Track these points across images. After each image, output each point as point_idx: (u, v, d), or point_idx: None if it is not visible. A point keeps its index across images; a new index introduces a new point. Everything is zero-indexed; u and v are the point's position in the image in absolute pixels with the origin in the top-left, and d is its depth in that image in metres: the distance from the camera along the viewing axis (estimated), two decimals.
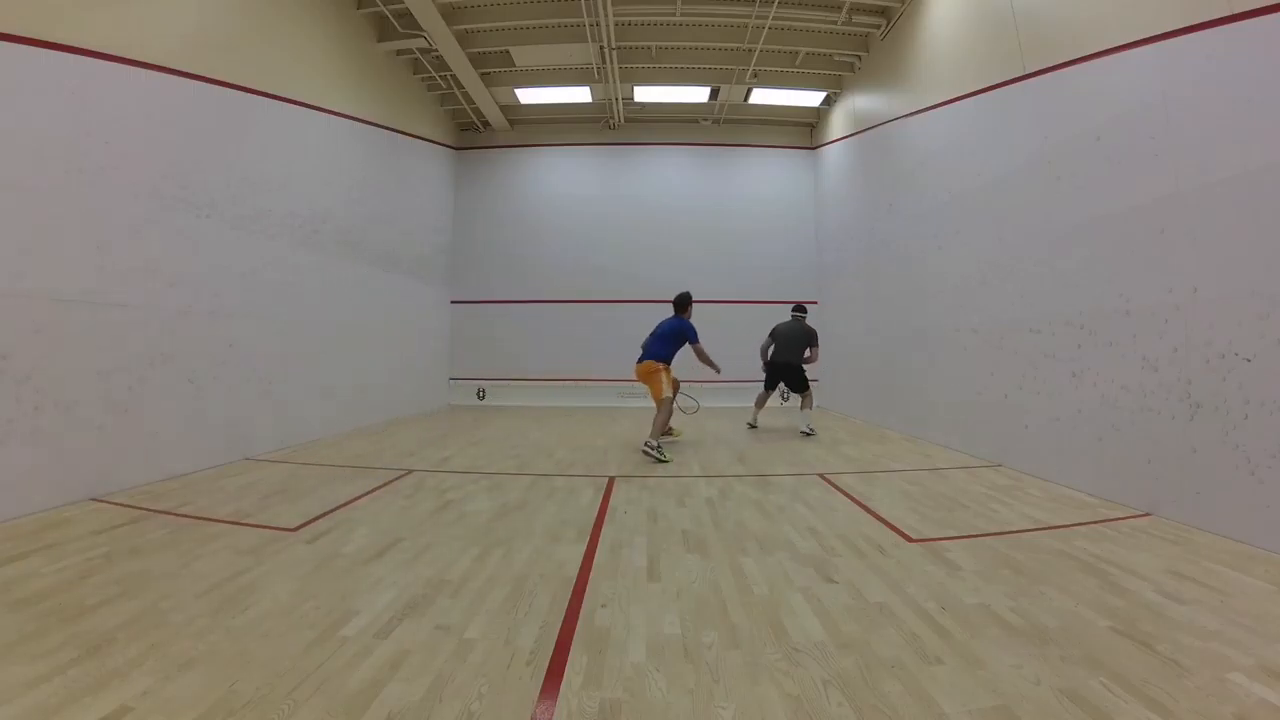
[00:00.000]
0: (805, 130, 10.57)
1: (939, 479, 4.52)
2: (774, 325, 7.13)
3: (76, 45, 3.73)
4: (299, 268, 5.98)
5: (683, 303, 6.02)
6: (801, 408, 6.86)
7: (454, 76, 8.63)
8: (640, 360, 5.87)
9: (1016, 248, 4.86)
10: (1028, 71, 4.69)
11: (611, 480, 4.53)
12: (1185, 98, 3.36)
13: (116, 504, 3.62)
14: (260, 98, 5.44)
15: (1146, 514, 3.46)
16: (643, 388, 6.17)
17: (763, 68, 8.46)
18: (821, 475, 4.68)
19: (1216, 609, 2.23)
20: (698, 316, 6.19)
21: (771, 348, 7.07)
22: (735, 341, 10.15)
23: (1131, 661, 1.86)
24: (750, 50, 8.03)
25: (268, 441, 5.42)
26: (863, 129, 8.28)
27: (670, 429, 6.28)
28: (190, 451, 4.53)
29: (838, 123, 9.32)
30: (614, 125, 10.31)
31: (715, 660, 1.92)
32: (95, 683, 1.72)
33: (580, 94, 9.43)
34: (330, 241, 6.51)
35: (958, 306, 5.75)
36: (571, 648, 2.00)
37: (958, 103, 5.74)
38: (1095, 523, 3.35)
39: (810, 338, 6.90)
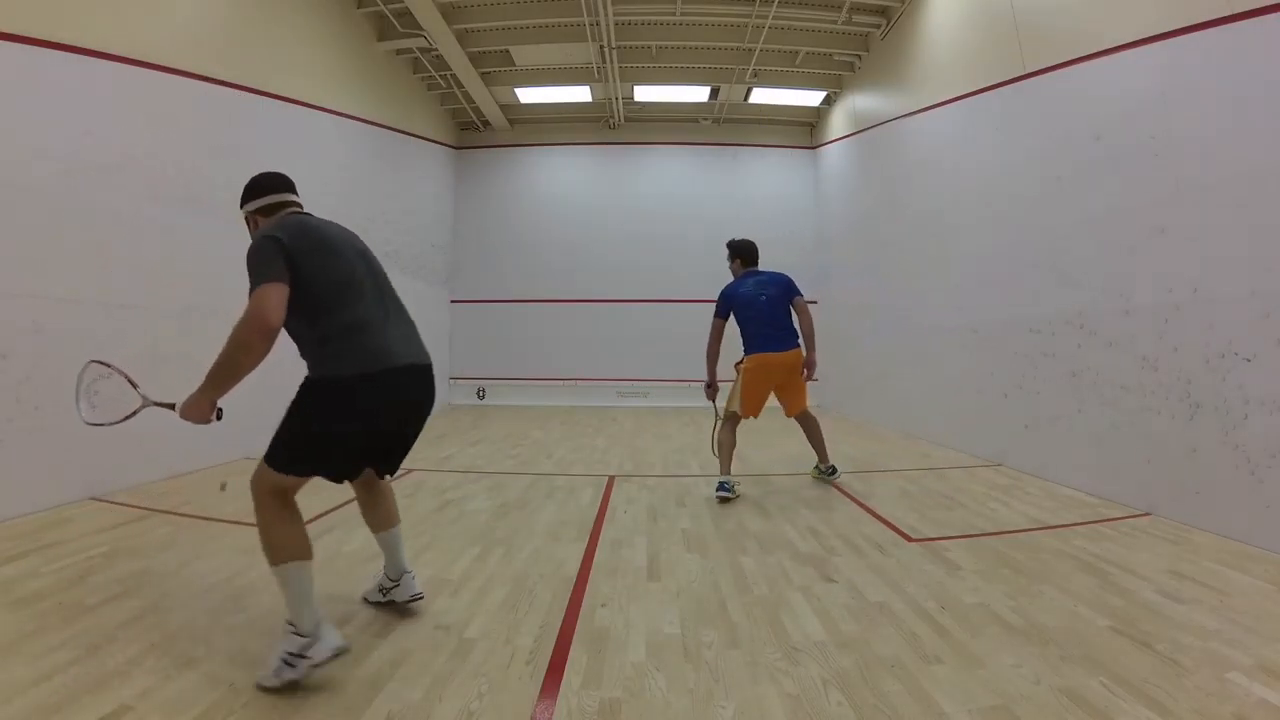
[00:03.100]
0: (805, 130, 10.56)
1: (938, 478, 4.52)
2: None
3: (76, 45, 3.72)
4: None
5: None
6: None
7: (454, 76, 8.62)
8: (783, 347, 3.98)
9: (1016, 247, 4.86)
10: (1028, 71, 4.68)
11: (611, 479, 4.53)
12: (1185, 98, 3.36)
13: (117, 503, 3.62)
14: (260, 97, 5.43)
15: (1146, 514, 3.46)
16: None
17: (763, 67, 8.45)
18: None
19: (1216, 608, 2.23)
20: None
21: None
22: (733, 342, 10.19)
23: (1131, 661, 1.86)
24: (750, 50, 8.02)
25: (269, 441, 5.41)
26: (863, 128, 8.27)
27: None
28: (191, 451, 4.52)
29: (838, 122, 9.32)
30: (614, 125, 10.30)
31: (715, 659, 1.92)
32: (95, 683, 1.72)
33: (580, 93, 9.42)
34: None
35: (958, 306, 5.75)
36: (571, 647, 2.00)
37: (958, 103, 5.73)
38: (1095, 522, 3.35)
39: None
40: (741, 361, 4.09)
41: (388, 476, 2.27)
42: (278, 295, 1.77)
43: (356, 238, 2.16)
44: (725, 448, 4.03)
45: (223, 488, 3.87)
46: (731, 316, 4.14)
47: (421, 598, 2.25)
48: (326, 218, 2.19)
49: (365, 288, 2.00)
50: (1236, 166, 3.07)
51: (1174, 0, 3.39)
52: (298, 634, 1.72)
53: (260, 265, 1.79)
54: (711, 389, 4.17)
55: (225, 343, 1.77)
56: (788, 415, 4.26)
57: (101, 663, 1.83)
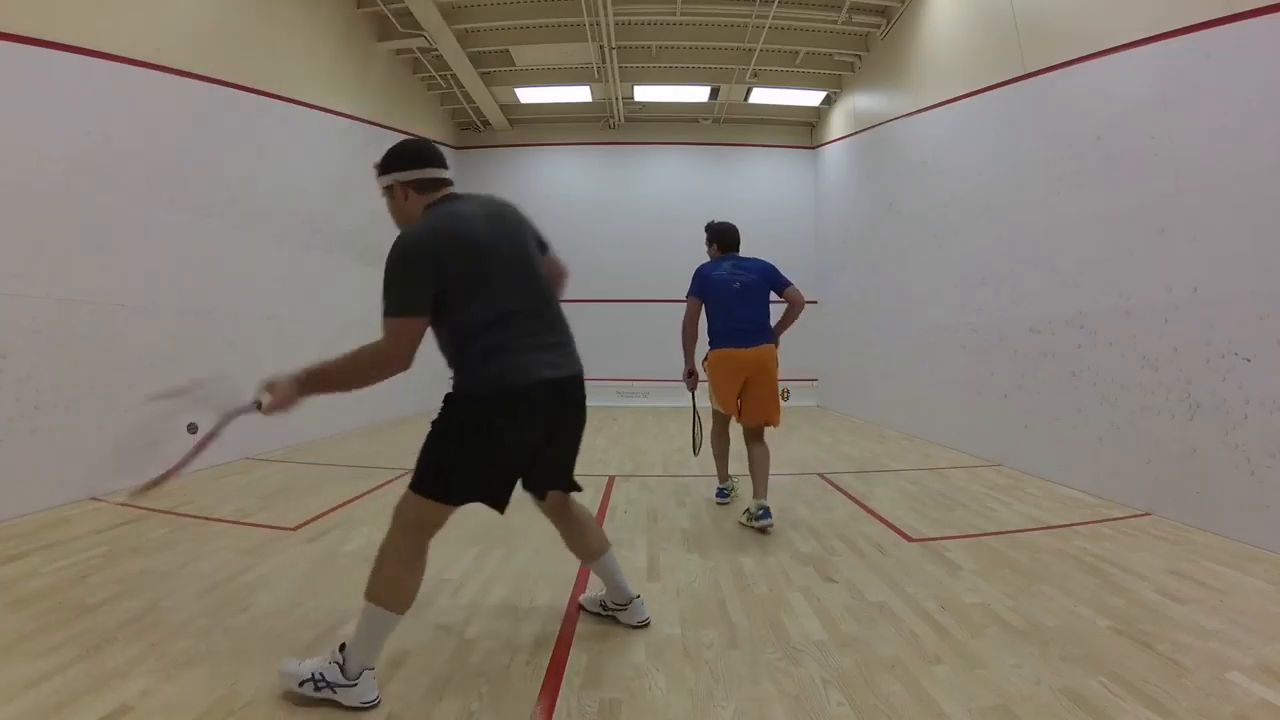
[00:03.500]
0: (805, 130, 10.56)
1: (939, 478, 4.52)
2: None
3: (76, 45, 3.72)
4: (299, 268, 5.97)
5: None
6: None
7: (454, 76, 8.61)
8: (751, 342, 3.46)
9: (1016, 247, 4.86)
10: (1028, 71, 4.68)
11: (611, 479, 4.53)
12: (1185, 98, 3.36)
13: (116, 503, 3.61)
14: (260, 97, 5.44)
15: (1146, 514, 3.46)
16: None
17: (763, 67, 8.45)
18: (821, 475, 4.67)
19: (1216, 608, 2.23)
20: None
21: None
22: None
23: (1131, 661, 1.86)
24: (750, 50, 8.01)
25: (268, 441, 5.41)
26: (863, 129, 8.27)
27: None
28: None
29: (838, 122, 9.32)
30: (614, 125, 10.30)
31: (715, 659, 1.92)
32: (95, 682, 1.72)
33: (580, 94, 9.42)
34: (330, 241, 6.50)
35: (958, 306, 5.75)
36: (571, 647, 2.00)
37: (958, 103, 5.73)
38: (1095, 522, 3.35)
39: None
40: (706, 357, 3.62)
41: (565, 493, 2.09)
42: (415, 333, 1.65)
43: (512, 222, 1.94)
44: (719, 451, 3.82)
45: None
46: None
47: (648, 624, 2.10)
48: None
49: (515, 305, 1.79)
50: (1236, 166, 3.06)
51: (1174, 0, 3.39)
52: (343, 670, 1.63)
53: (403, 293, 1.64)
54: (692, 378, 3.70)
55: (349, 357, 1.65)
56: (739, 422, 3.56)
57: (101, 663, 1.83)
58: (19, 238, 3.41)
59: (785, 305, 3.56)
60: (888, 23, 7.29)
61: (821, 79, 8.89)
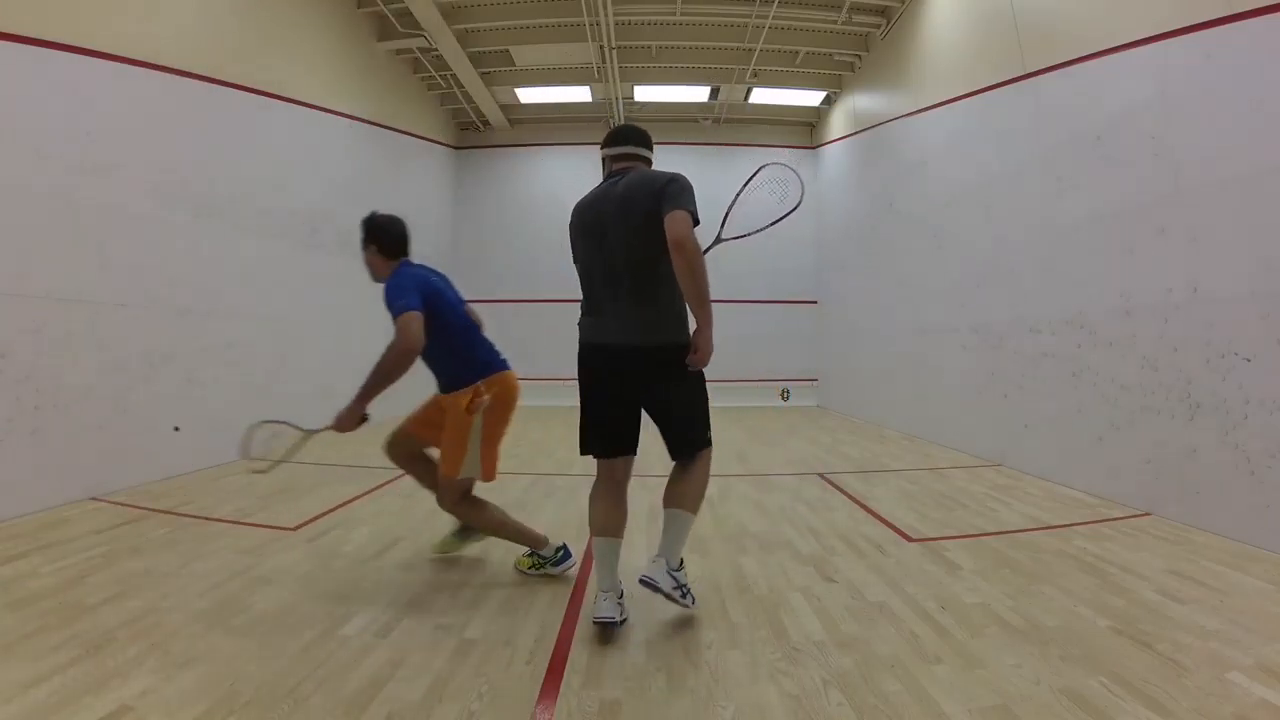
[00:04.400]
0: (805, 130, 10.56)
1: (939, 478, 4.52)
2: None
3: (76, 45, 3.72)
4: (299, 267, 5.97)
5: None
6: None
7: (454, 76, 8.62)
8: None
9: (1016, 248, 4.86)
10: (1028, 71, 4.68)
11: None
12: (1185, 98, 3.36)
13: (116, 503, 3.62)
14: (261, 97, 5.43)
15: (1146, 514, 3.46)
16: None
17: (763, 67, 8.45)
18: (821, 475, 4.68)
19: (1216, 608, 2.23)
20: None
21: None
22: (733, 342, 10.21)
23: (1131, 661, 1.86)
24: (750, 50, 8.02)
25: (268, 441, 5.40)
26: (863, 129, 8.28)
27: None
28: (190, 451, 4.52)
29: (838, 122, 9.32)
30: (614, 125, 10.30)
31: (715, 659, 1.92)
32: (95, 682, 1.72)
33: (580, 94, 9.42)
34: (330, 241, 6.49)
35: (958, 306, 5.75)
36: (571, 647, 2.00)
37: (958, 102, 5.73)
38: (1095, 522, 3.35)
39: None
40: (483, 386, 2.67)
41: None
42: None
43: (619, 197, 2.27)
44: (500, 520, 2.68)
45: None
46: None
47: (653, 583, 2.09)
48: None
49: (585, 271, 2.30)
50: (1236, 166, 3.07)
51: (1174, 0, 3.39)
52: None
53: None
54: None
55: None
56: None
57: (101, 663, 1.83)
58: (19, 238, 3.41)
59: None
60: (888, 23, 7.29)
61: (821, 79, 8.89)
